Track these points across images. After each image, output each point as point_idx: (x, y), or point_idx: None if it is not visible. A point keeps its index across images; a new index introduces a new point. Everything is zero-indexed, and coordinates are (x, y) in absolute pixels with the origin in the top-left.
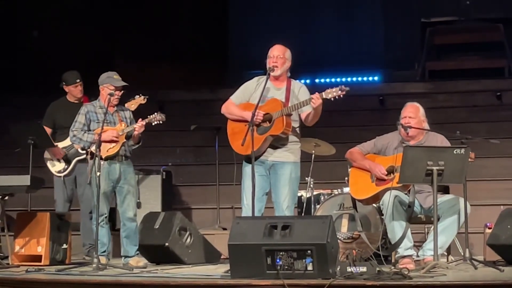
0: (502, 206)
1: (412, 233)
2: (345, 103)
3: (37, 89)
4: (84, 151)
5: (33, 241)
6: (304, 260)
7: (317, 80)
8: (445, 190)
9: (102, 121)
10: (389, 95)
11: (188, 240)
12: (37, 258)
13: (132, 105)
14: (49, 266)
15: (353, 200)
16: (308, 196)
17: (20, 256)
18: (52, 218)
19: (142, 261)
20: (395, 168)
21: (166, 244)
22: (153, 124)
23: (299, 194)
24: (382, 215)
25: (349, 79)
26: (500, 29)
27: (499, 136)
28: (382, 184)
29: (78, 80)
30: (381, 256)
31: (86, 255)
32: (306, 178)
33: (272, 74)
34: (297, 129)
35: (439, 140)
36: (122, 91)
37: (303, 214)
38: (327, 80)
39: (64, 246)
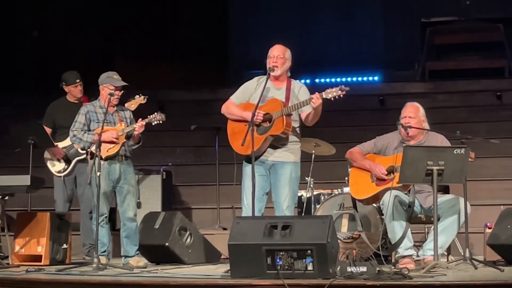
0: (502, 206)
1: (412, 233)
2: (345, 103)
3: (37, 89)
4: (84, 151)
5: (33, 241)
6: (304, 260)
7: (317, 80)
8: (445, 190)
9: (102, 121)
10: (389, 95)
11: (188, 240)
12: (37, 258)
13: (132, 105)
14: (49, 266)
15: (353, 200)
16: (308, 196)
17: (20, 256)
18: (52, 218)
19: (142, 261)
20: (395, 168)
21: (166, 244)
22: (153, 124)
23: (299, 194)
24: (382, 215)
25: (349, 79)
26: (500, 29)
27: (499, 136)
28: (382, 184)
29: (78, 80)
30: (381, 256)
31: (86, 255)
32: (306, 178)
33: (272, 74)
34: (297, 129)
35: (439, 140)
36: (122, 91)
37: (303, 214)
38: (327, 80)
39: (64, 246)
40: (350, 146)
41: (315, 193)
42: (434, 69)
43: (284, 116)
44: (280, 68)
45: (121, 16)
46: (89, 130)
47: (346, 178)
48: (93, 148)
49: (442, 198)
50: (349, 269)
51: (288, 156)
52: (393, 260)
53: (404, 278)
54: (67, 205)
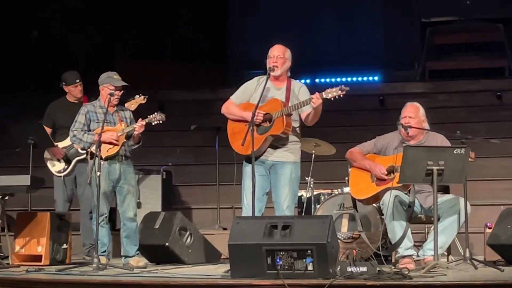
0: (502, 206)
1: (412, 233)
2: (345, 103)
3: (37, 89)
4: (84, 151)
5: (33, 241)
6: (304, 260)
7: (317, 80)
8: (445, 190)
9: (102, 121)
10: (389, 95)
11: (188, 240)
12: (37, 258)
13: (132, 105)
14: (49, 266)
15: (353, 200)
16: (308, 196)
17: (20, 256)
18: (52, 218)
19: (142, 261)
20: (395, 168)
21: (166, 244)
22: (153, 124)
23: (299, 194)
24: (382, 215)
25: (349, 79)
26: (500, 29)
27: (499, 136)
28: (382, 184)
29: (78, 80)
30: (381, 256)
31: (86, 255)
32: (306, 178)
33: (272, 74)
34: (297, 129)
35: (439, 140)
36: (122, 91)
37: (303, 214)
38: (327, 80)
39: (64, 246)
40: (350, 146)
41: (315, 193)
42: (434, 69)
43: (284, 116)
44: (280, 68)
45: (121, 16)
46: (89, 130)
47: (346, 178)
48: (93, 148)
49: (442, 198)
50: (349, 269)
51: (288, 156)
52: (393, 260)
53: (404, 278)
54: (67, 205)
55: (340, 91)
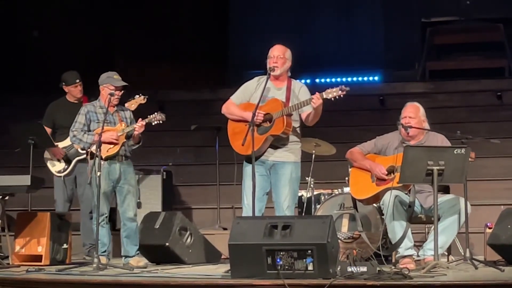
0: (502, 206)
1: (412, 233)
2: (346, 103)
3: (37, 89)
4: (84, 151)
5: (33, 241)
6: (304, 260)
7: (317, 80)
8: (445, 190)
9: (102, 121)
10: (389, 95)
11: (189, 240)
12: (38, 258)
13: (132, 105)
14: (49, 266)
15: (354, 200)
16: (308, 196)
17: (20, 256)
18: (53, 218)
19: (143, 261)
20: (396, 168)
21: (167, 244)
22: (153, 124)
23: (299, 194)
24: (383, 215)
25: (349, 79)
26: (500, 29)
27: (499, 136)
28: (383, 184)
29: (77, 80)
30: (382, 256)
31: (86, 255)
32: (307, 178)
33: (272, 74)
34: (298, 129)
35: (440, 140)
36: (122, 91)
37: (303, 214)
38: (327, 80)
39: (65, 246)
40: (350, 146)
41: (315, 193)
42: (434, 69)
43: (285, 116)
44: (280, 68)
45: (121, 16)
46: (89, 130)
47: (347, 178)
48: (93, 148)
49: (443, 198)
50: (349, 269)
51: (288, 156)
52: (393, 260)
53: (405, 278)
54: (67, 205)
55: (340, 91)
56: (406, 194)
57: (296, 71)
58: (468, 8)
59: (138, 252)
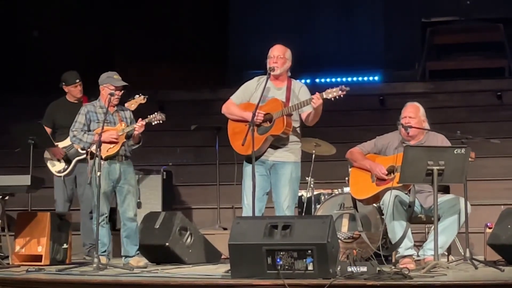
0: (502, 206)
1: (412, 233)
2: (346, 103)
3: (37, 89)
4: (84, 151)
5: (33, 241)
6: (304, 260)
7: (317, 80)
8: (445, 190)
9: (103, 121)
10: (389, 95)
11: (189, 240)
12: (38, 258)
13: (132, 104)
14: (49, 266)
15: (354, 200)
16: (308, 196)
17: (20, 256)
18: (53, 218)
19: (143, 261)
20: (396, 168)
21: (167, 244)
22: (153, 124)
23: (299, 194)
24: (383, 215)
25: (349, 79)
26: (500, 29)
27: (499, 136)
28: (383, 184)
29: (77, 80)
30: (382, 256)
31: (86, 255)
32: (307, 178)
33: (272, 74)
34: (298, 129)
35: (440, 140)
36: (122, 91)
37: (303, 214)
38: (327, 80)
39: (65, 246)
40: (350, 146)
41: (315, 193)
42: (434, 69)
43: (285, 116)
44: (280, 68)
45: (121, 16)
46: (89, 130)
47: (347, 178)
48: (93, 148)
49: (443, 198)
50: (349, 269)
51: (288, 156)
52: (393, 260)
53: (405, 278)
54: (67, 205)
55: (340, 91)
56: (406, 194)
57: (296, 71)
58: (468, 8)
59: (138, 252)
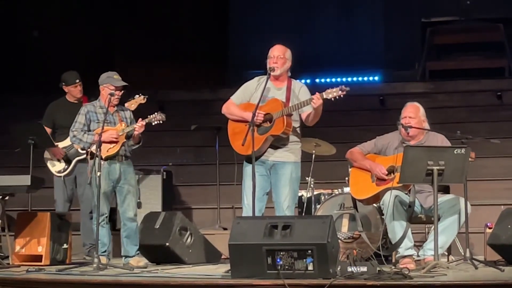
0: (502, 206)
1: (412, 233)
2: (346, 103)
3: (37, 89)
4: (84, 151)
5: (33, 241)
6: (304, 260)
7: (317, 80)
8: (445, 190)
9: (103, 121)
10: (390, 95)
11: (189, 240)
12: (38, 258)
13: (132, 104)
14: (49, 266)
15: (354, 200)
16: (308, 196)
17: (20, 256)
18: (53, 218)
19: (143, 261)
20: (396, 168)
21: (167, 244)
22: (153, 124)
23: (299, 194)
24: (383, 215)
25: (349, 79)
26: (500, 29)
27: (499, 136)
28: (383, 184)
29: (77, 81)
30: (382, 256)
31: (86, 255)
32: (307, 178)
33: (272, 74)
34: (298, 129)
35: (440, 140)
36: (122, 91)
37: (303, 214)
38: (327, 80)
39: (65, 246)
40: (351, 146)
41: (315, 193)
42: (434, 69)
43: (285, 116)
44: (280, 68)
45: (121, 16)
46: (89, 130)
47: (347, 178)
48: (93, 148)
49: (443, 198)
50: (349, 269)
51: (288, 156)
52: (393, 260)
53: (405, 278)
54: (67, 205)
55: (340, 91)
56: (406, 194)
57: (296, 71)
58: (468, 8)
59: (138, 252)
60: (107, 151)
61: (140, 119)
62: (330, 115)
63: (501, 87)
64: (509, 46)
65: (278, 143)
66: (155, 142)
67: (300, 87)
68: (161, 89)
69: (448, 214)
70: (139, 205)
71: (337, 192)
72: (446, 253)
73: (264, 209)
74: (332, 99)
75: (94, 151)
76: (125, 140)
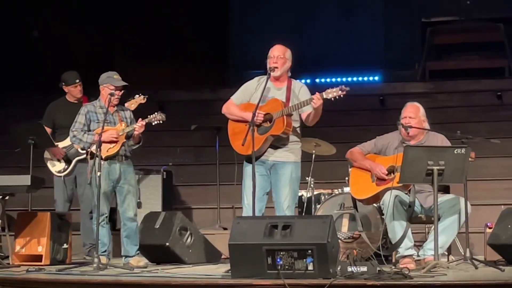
0: (502, 206)
1: (412, 233)
2: (346, 103)
3: (37, 89)
4: (84, 151)
5: (33, 241)
6: (304, 260)
7: (317, 80)
8: (445, 189)
9: (103, 121)
10: (390, 95)
11: (189, 240)
12: (38, 258)
13: (132, 104)
14: (49, 266)
15: (354, 200)
16: (308, 196)
17: (20, 256)
18: (53, 218)
19: (143, 261)
20: (396, 168)
21: (167, 244)
22: (153, 124)
23: (299, 194)
24: (383, 215)
25: (349, 79)
26: (500, 29)
27: (499, 136)
28: (383, 184)
29: (77, 80)
30: (382, 256)
31: (86, 255)
32: (307, 178)
33: (272, 74)
34: (298, 129)
35: (440, 140)
36: (122, 91)
37: (303, 214)
38: (327, 80)
39: (65, 246)
40: (351, 146)
41: (315, 193)
42: (434, 69)
43: (285, 116)
44: (281, 68)
45: (121, 16)
46: (89, 130)
47: (347, 178)
48: (93, 148)
49: (443, 198)
50: (349, 269)
51: (288, 156)
52: (393, 260)
53: (405, 278)
54: (67, 205)
55: (340, 91)
56: (406, 194)
57: (296, 71)
58: (468, 8)
59: (138, 252)
60: (107, 151)
61: (140, 119)
62: (330, 115)
63: (501, 87)
64: (509, 46)
65: (278, 143)
66: (155, 142)
67: (300, 87)
68: (161, 89)
69: (448, 214)
70: (139, 205)
71: (337, 192)
72: (446, 253)
73: (264, 209)
74: (332, 99)
75: (94, 151)
76: (125, 140)
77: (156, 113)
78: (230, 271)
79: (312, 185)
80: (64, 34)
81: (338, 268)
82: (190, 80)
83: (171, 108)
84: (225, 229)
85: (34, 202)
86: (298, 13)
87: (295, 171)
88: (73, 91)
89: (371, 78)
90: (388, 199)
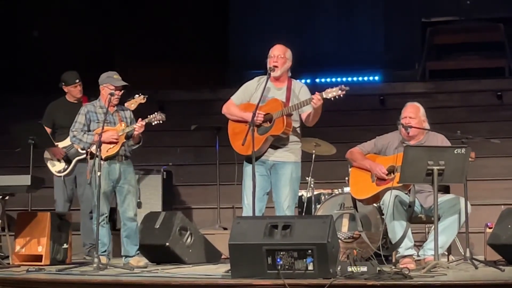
0: (502, 206)
1: (412, 233)
2: (346, 103)
3: (37, 89)
4: (84, 151)
5: (33, 241)
6: (304, 259)
7: (317, 80)
8: (445, 189)
9: (103, 121)
10: (390, 95)
11: (189, 240)
12: (38, 258)
13: (132, 104)
14: (49, 266)
15: (354, 200)
16: (308, 196)
17: (20, 256)
18: (53, 218)
19: (143, 261)
20: (396, 168)
21: (167, 244)
22: (153, 124)
23: (299, 194)
24: (383, 215)
25: (349, 79)
26: (500, 29)
27: (499, 136)
28: (383, 184)
29: (77, 80)
30: (382, 256)
31: (86, 255)
32: (307, 178)
33: (272, 74)
34: (298, 129)
35: (440, 140)
36: (122, 91)
37: (303, 214)
38: (327, 80)
39: (65, 246)
40: (350, 146)
41: (315, 193)
42: (434, 69)
43: (285, 116)
44: (281, 68)
45: (121, 16)
46: (89, 130)
47: (347, 178)
48: (93, 148)
49: (443, 198)
50: (349, 269)
51: (288, 156)
52: (393, 260)
53: (405, 278)
54: (67, 205)
55: (340, 91)
56: (406, 194)
57: (296, 71)
58: (468, 8)
59: (138, 252)
60: (107, 151)
61: (140, 119)
62: (330, 115)
63: (501, 87)
64: (509, 46)
65: (278, 143)
66: (155, 142)
67: (300, 87)
68: (161, 89)
69: (448, 214)
70: (139, 205)
71: (337, 192)
72: (446, 253)
73: (264, 209)
74: (332, 98)
75: (94, 151)
76: (125, 140)
77: (156, 113)
78: (230, 271)
79: (312, 185)
80: (64, 34)
81: (338, 268)
82: (190, 80)
83: (171, 108)
84: (225, 229)
85: (34, 202)
86: (298, 13)
87: (295, 171)
88: (73, 91)
89: (371, 78)
90: (388, 199)
